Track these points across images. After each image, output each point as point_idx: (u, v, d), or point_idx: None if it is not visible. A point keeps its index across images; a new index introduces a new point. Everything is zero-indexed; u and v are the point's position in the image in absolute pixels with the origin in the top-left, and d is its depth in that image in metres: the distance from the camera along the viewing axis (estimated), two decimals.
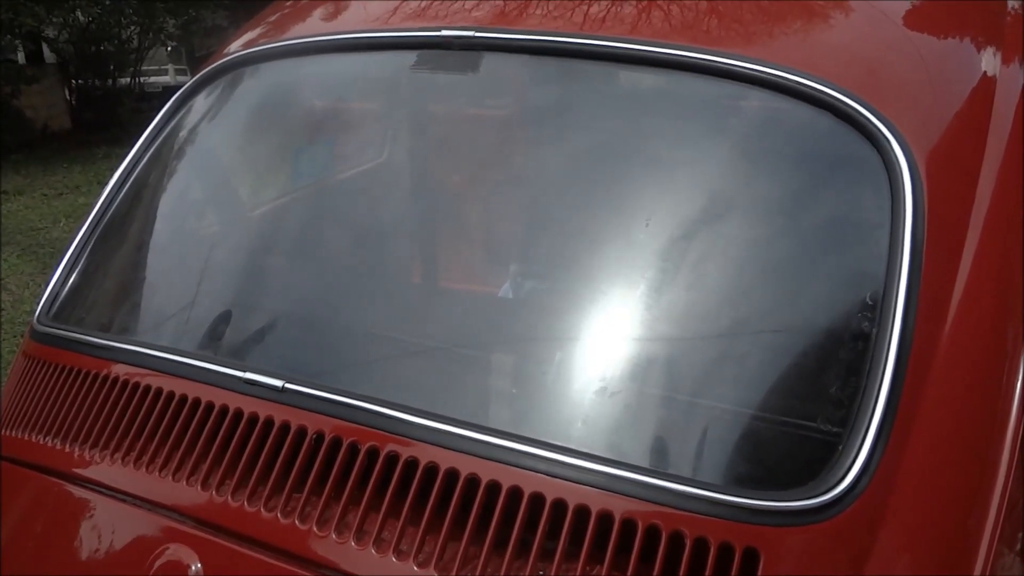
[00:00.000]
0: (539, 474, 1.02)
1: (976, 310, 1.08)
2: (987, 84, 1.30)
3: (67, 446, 1.29)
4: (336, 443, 1.12)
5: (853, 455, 0.96)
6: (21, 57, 10.58)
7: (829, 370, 1.06)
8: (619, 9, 1.42)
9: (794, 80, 1.21)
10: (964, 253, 1.10)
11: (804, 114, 1.22)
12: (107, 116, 10.34)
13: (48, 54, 10.59)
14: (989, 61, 1.35)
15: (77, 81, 10.61)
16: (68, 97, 10.55)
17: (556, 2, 1.46)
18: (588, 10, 1.42)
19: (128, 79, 11.06)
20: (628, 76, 1.42)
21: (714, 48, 1.28)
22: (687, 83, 1.35)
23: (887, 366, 0.99)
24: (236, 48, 1.72)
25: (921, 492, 0.98)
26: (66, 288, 1.52)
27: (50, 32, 10.04)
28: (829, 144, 1.21)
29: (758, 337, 1.17)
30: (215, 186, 1.80)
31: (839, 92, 1.18)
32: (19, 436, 1.36)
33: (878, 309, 1.04)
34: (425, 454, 1.08)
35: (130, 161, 1.65)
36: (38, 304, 1.50)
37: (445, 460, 1.06)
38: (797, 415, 1.07)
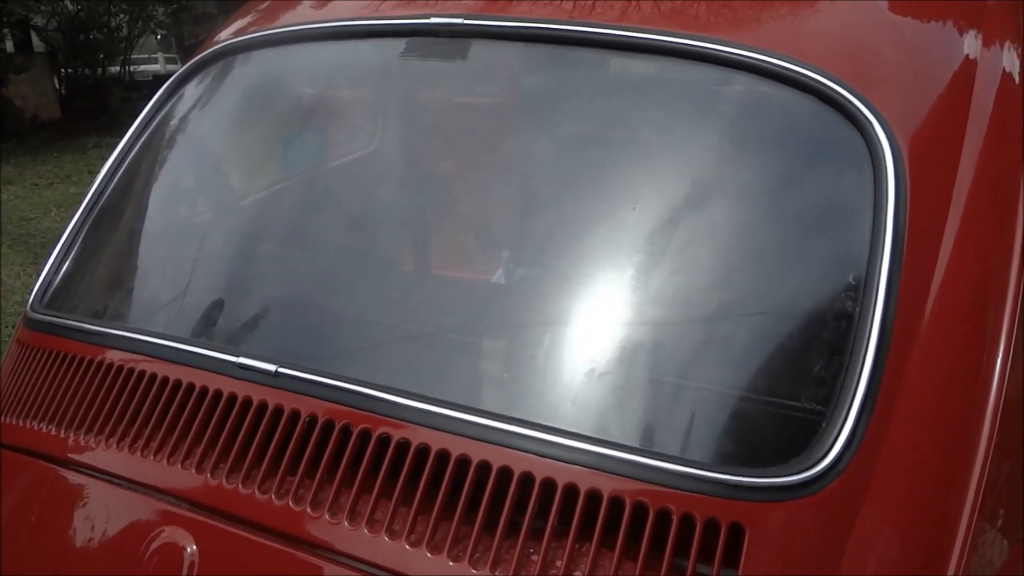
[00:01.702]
0: (529, 454, 1.04)
1: (957, 290, 1.10)
2: (968, 67, 1.31)
3: (62, 432, 1.30)
4: (329, 426, 1.14)
5: (836, 432, 0.98)
6: (10, 46, 10.52)
7: (813, 350, 1.08)
8: None
9: (779, 65, 1.22)
10: (945, 235, 1.12)
11: (789, 98, 1.23)
12: (97, 105, 10.31)
13: (37, 43, 10.53)
14: (971, 44, 1.37)
15: (66, 70, 10.55)
16: (57, 86, 10.51)
17: None
18: None
19: (118, 68, 11.02)
20: (616, 63, 1.43)
21: (701, 34, 1.29)
22: (675, 69, 1.36)
23: (869, 346, 1.01)
24: (227, 36, 1.73)
25: (903, 468, 1.00)
26: (60, 276, 1.53)
27: (39, 20, 9.98)
28: (813, 128, 1.23)
29: (743, 319, 1.18)
30: (207, 174, 1.81)
31: (823, 76, 1.19)
32: (14, 422, 1.37)
33: (861, 290, 1.06)
34: (416, 436, 1.09)
35: (122, 149, 1.66)
36: (32, 292, 1.51)
37: (436, 441, 1.08)
38: (782, 394, 1.08)
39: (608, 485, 1.00)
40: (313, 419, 1.15)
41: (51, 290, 1.51)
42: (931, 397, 1.05)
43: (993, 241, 1.16)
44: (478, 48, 1.44)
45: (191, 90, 1.73)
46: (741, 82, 1.29)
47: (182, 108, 1.73)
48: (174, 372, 1.27)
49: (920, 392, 1.03)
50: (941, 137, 1.21)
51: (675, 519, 0.97)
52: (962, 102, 1.25)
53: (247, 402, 1.20)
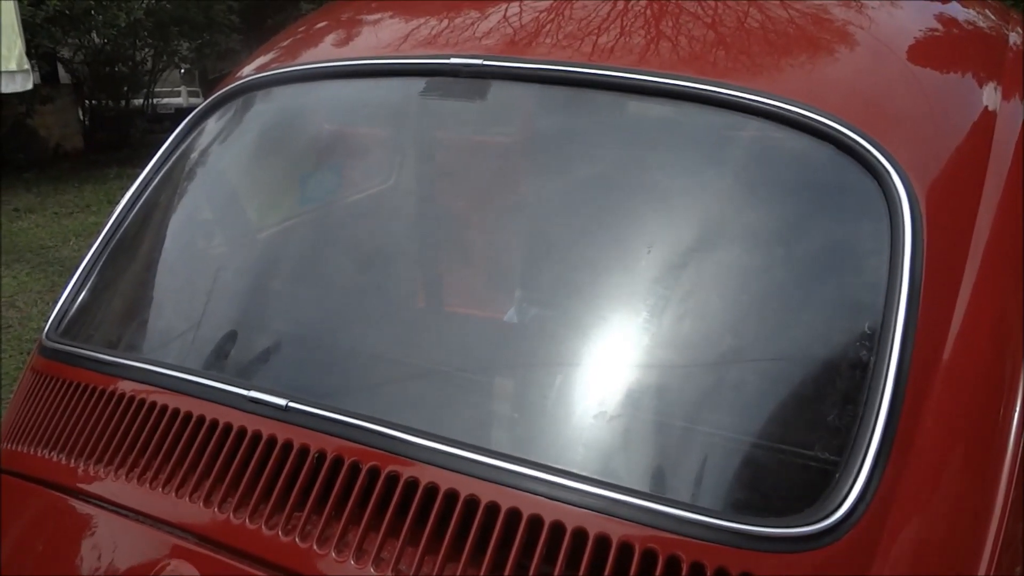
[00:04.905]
0: (538, 496, 1.03)
1: (974, 340, 1.09)
2: (987, 118, 1.31)
3: (72, 461, 1.30)
4: (338, 462, 1.13)
5: (850, 483, 0.96)
6: (36, 77, 10.68)
7: (827, 398, 1.07)
8: (626, 40, 1.44)
9: (797, 112, 1.22)
10: (962, 284, 1.11)
11: (806, 145, 1.23)
12: (119, 137, 10.43)
13: (63, 75, 10.68)
14: (990, 96, 1.37)
15: (91, 102, 10.69)
16: (81, 117, 10.64)
17: (565, 32, 1.48)
18: (596, 40, 1.44)
19: (141, 100, 11.15)
20: (634, 106, 1.43)
21: (720, 79, 1.30)
22: (693, 114, 1.37)
23: (884, 395, 1.00)
24: (248, 72, 1.75)
25: (918, 520, 0.99)
26: (75, 305, 1.54)
27: (65, 53, 10.14)
28: (830, 175, 1.23)
29: (757, 365, 1.17)
30: (224, 207, 1.82)
31: (841, 124, 1.20)
32: (24, 450, 1.37)
33: (876, 338, 1.05)
34: (425, 474, 1.08)
35: (142, 181, 1.67)
36: (47, 320, 1.52)
37: (445, 481, 1.07)
38: (795, 442, 1.07)
39: (617, 530, 0.99)
40: (322, 455, 1.14)
41: (67, 319, 1.52)
42: (947, 449, 1.03)
43: (1010, 291, 1.16)
44: (497, 89, 1.45)
45: (211, 125, 1.75)
46: (758, 128, 1.29)
47: (202, 142, 1.75)
48: (185, 404, 1.26)
49: (936, 444, 1.02)
50: (959, 186, 1.21)
51: (685, 567, 0.95)
52: (981, 152, 1.25)
53: (256, 436, 1.19)
